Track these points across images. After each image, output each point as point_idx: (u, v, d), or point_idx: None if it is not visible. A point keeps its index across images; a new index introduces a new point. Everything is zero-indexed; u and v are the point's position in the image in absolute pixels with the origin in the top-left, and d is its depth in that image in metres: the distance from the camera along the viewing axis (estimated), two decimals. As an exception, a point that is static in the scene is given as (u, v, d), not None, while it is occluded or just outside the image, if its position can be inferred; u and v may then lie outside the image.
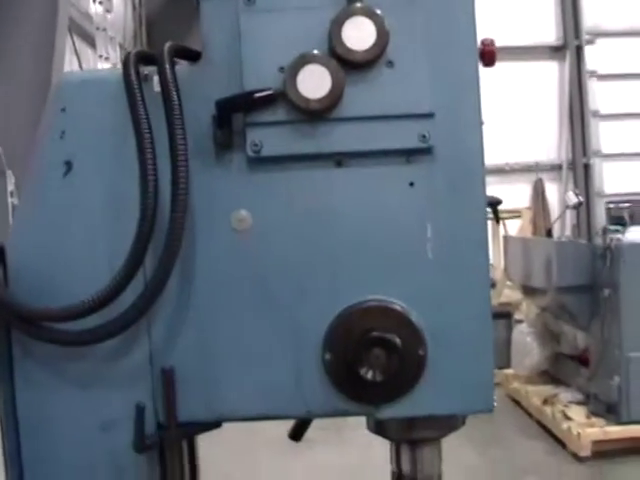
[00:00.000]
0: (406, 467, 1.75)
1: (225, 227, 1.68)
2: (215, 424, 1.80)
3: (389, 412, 1.64)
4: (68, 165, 1.72)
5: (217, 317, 1.66)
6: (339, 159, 1.69)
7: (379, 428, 1.75)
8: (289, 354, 1.65)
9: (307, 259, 1.65)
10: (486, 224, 1.69)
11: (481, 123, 1.70)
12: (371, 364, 1.56)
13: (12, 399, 1.70)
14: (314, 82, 1.63)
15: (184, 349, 1.67)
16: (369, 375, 1.56)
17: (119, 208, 1.70)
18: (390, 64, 1.67)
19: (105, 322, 1.62)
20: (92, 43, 8.61)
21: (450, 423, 1.72)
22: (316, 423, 6.69)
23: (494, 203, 1.90)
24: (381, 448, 6.25)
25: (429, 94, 1.67)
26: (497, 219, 2.08)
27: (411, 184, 1.69)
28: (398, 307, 1.61)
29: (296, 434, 2.09)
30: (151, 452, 1.69)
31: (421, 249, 1.65)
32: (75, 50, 7.63)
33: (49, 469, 1.72)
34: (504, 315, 9.62)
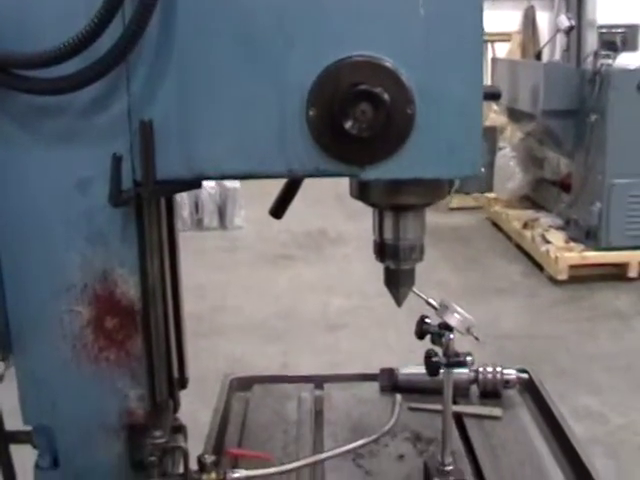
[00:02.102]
0: (389, 235, 1.72)
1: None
2: (195, 184, 1.76)
3: (374, 173, 1.59)
4: None
5: (199, 67, 1.59)
6: None
7: (362, 193, 1.70)
8: (272, 109, 1.59)
9: (295, 5, 1.57)
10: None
11: None
12: (357, 119, 1.51)
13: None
14: None
15: (164, 101, 1.60)
16: (354, 130, 1.51)
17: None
18: None
19: (82, 68, 1.55)
20: None
21: (436, 190, 1.68)
22: (297, 242, 6.82)
23: (493, 94, 1.81)
24: (358, 264, 6.37)
25: None
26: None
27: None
28: (388, 64, 1.54)
29: (277, 210, 2.05)
30: (128, 210, 1.65)
31: (413, 5, 1.57)
32: None
33: (25, 228, 1.68)
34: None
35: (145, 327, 1.72)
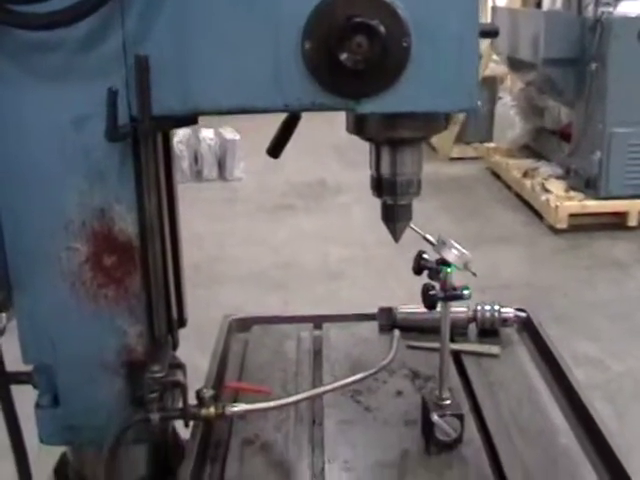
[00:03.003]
0: (386, 170, 1.71)
1: None
2: (191, 120, 1.76)
3: (370, 107, 1.58)
4: None
5: (194, 2, 1.58)
6: None
7: (359, 128, 1.70)
8: (268, 43, 1.58)
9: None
10: None
11: None
12: (353, 51, 1.50)
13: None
14: None
15: (159, 37, 1.59)
16: (350, 62, 1.50)
17: None
18: None
19: (77, 2, 1.54)
20: None
21: (432, 123, 1.68)
22: (296, 192, 6.80)
23: (490, 32, 1.79)
24: (358, 214, 6.36)
25: None
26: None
27: None
28: (384, -2, 1.53)
29: (274, 150, 2.05)
30: (125, 146, 1.65)
31: (410, -62, 1.56)
32: None
33: (21, 167, 1.68)
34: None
35: (143, 264, 1.72)
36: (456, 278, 1.76)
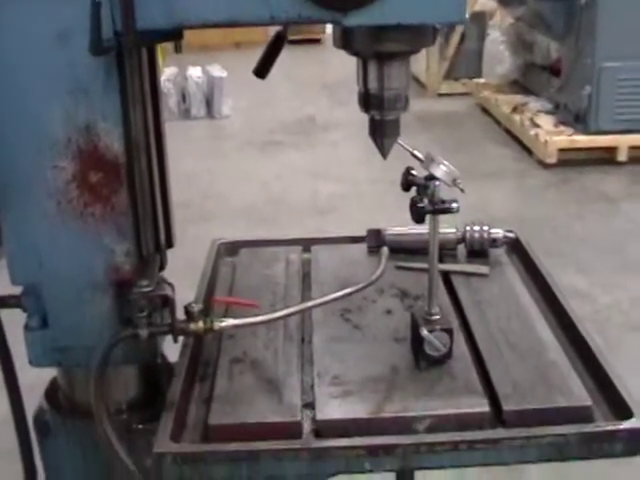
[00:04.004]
0: (373, 84, 1.69)
1: None
2: (176, 34, 1.73)
3: (357, 19, 1.55)
4: None
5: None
6: None
7: (346, 41, 1.67)
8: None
9: None
10: None
11: None
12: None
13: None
14: None
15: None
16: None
17: None
18: None
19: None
20: None
21: (420, 37, 1.65)
22: (285, 129, 6.78)
23: None
24: (348, 151, 6.33)
25: None
26: None
27: None
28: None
29: (261, 70, 2.03)
30: (109, 61, 1.62)
31: None
32: None
33: (5, 84, 1.65)
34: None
35: (130, 181, 1.71)
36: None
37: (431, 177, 1.71)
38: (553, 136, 7.57)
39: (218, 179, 7.42)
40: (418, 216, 1.68)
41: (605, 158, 7.61)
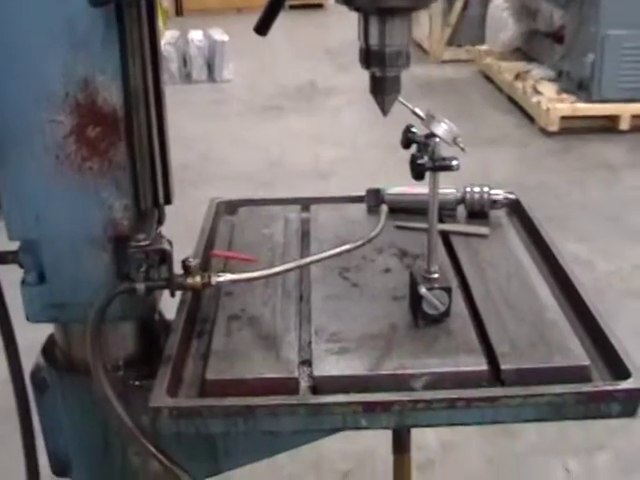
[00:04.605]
0: (374, 40, 1.67)
1: None
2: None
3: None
4: None
5: None
6: None
7: (347, -7, 1.66)
8: None
9: None
10: None
11: None
12: None
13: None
14: None
15: None
16: None
17: None
18: None
19: None
20: None
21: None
22: (286, 94, 6.76)
23: None
24: (348, 117, 6.33)
25: None
26: None
27: None
28: None
29: (261, 27, 2.00)
30: (109, 14, 1.60)
31: None
32: None
33: (3, 38, 1.63)
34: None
35: (128, 135, 1.69)
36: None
37: (431, 135, 1.70)
38: (555, 104, 7.54)
39: (218, 143, 7.40)
40: (418, 173, 1.67)
41: (607, 126, 7.59)
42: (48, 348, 2.02)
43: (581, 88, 7.55)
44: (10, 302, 1.97)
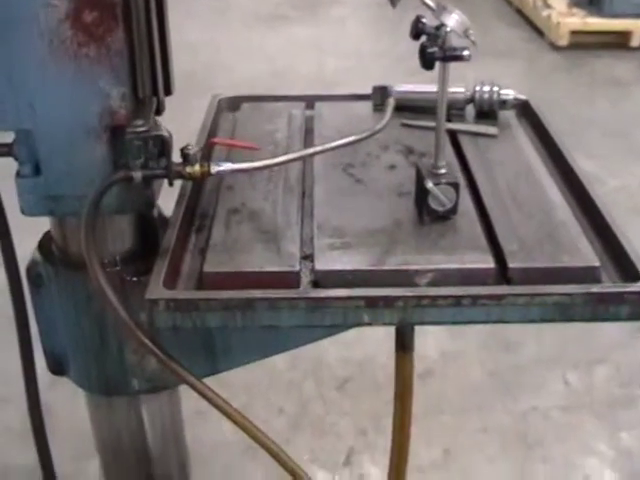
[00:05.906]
0: None
1: None
2: None
3: None
4: None
5: None
6: None
7: None
8: None
9: None
10: None
11: None
12: None
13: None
14: None
15: None
16: None
17: None
18: None
19: None
20: None
21: None
22: (291, 3, 6.64)
23: None
24: (354, 27, 6.21)
25: None
26: None
27: None
28: None
29: None
30: None
31: None
32: None
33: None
34: None
35: (126, 20, 1.62)
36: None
37: (442, 26, 1.63)
38: (566, 18, 7.41)
39: (222, 51, 7.30)
40: (428, 61, 1.60)
41: (618, 42, 7.47)
42: (44, 243, 1.98)
43: (592, 2, 7.42)
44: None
